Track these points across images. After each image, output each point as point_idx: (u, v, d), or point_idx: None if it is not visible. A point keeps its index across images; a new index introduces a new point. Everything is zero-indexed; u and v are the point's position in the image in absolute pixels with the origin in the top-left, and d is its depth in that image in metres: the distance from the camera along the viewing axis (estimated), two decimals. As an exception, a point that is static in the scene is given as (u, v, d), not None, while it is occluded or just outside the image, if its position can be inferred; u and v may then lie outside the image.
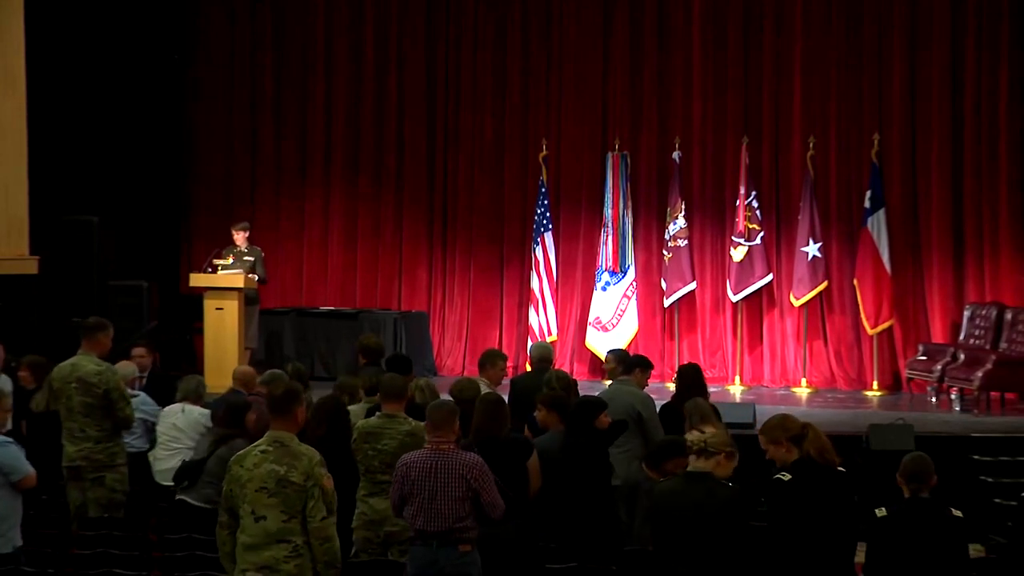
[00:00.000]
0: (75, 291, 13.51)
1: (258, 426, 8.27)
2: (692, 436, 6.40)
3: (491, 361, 9.41)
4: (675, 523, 6.01)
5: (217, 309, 13.21)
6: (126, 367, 9.73)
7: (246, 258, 13.63)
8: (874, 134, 14.37)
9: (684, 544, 5.97)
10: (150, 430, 9.51)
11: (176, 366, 13.97)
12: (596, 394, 9.46)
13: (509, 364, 11.33)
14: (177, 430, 9.14)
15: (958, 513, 6.03)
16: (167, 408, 9.42)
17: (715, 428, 8.82)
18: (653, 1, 15.29)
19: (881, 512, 6.00)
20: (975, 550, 7.70)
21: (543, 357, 10.19)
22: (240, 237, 13.78)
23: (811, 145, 14.52)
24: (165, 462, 9.21)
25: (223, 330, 13.15)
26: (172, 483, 8.95)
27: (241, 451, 6.02)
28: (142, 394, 9.74)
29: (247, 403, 8.38)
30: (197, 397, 9.41)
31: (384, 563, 7.07)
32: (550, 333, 14.77)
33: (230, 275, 13.29)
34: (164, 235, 15.97)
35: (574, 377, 10.62)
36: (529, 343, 14.72)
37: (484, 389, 8.53)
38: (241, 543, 5.81)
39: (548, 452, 7.58)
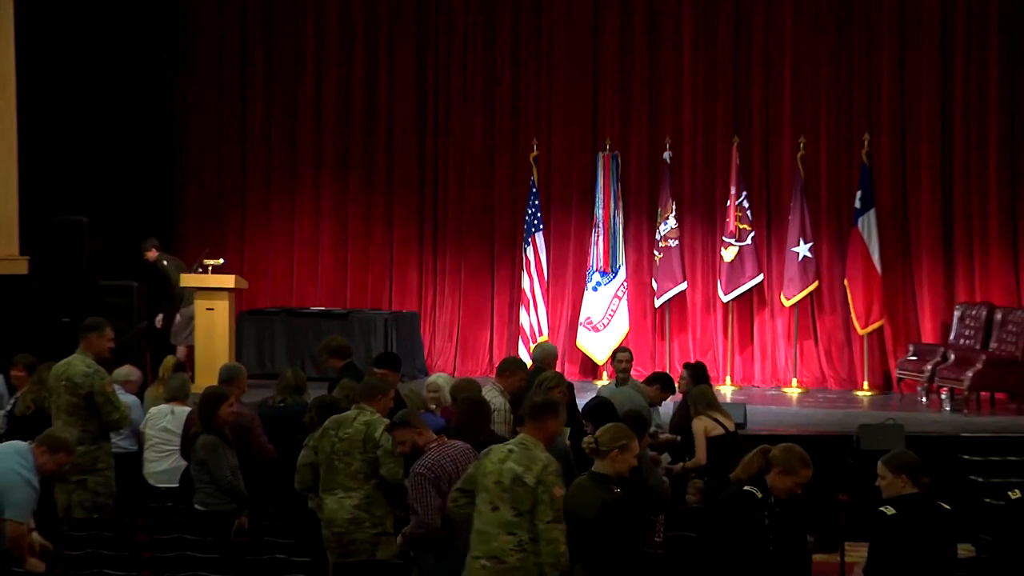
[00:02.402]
0: (65, 291, 13.48)
1: (234, 419, 8.28)
2: (587, 439, 6.47)
3: (512, 371, 9.11)
4: (571, 521, 6.12)
5: (208, 309, 13.24)
6: (122, 370, 9.71)
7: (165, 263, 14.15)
8: (864, 134, 14.40)
9: (578, 543, 6.06)
10: (135, 431, 9.48)
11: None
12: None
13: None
14: (168, 432, 9.12)
15: (947, 506, 6.05)
16: (155, 410, 9.39)
17: (715, 415, 8.92)
18: (643, 1, 15.30)
19: (890, 511, 5.93)
20: (965, 550, 7.72)
21: (536, 358, 10.24)
22: (152, 255, 14.21)
23: (801, 145, 14.54)
24: (158, 464, 9.20)
25: (213, 330, 13.17)
26: (168, 485, 8.97)
27: (496, 446, 6.40)
28: (134, 397, 9.72)
29: (218, 395, 8.31)
30: (184, 396, 9.40)
31: (373, 563, 7.05)
32: (541, 333, 14.76)
33: (221, 276, 13.31)
34: (154, 235, 15.92)
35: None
36: (520, 344, 14.76)
37: (493, 394, 8.53)
38: (475, 529, 6.22)
39: None
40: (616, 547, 6.03)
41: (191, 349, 13.71)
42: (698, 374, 10.03)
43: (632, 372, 10.84)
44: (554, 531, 6.04)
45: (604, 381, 14.72)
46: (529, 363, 13.08)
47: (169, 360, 10.29)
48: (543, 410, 6.43)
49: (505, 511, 6.10)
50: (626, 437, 6.36)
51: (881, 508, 5.96)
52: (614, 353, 11.09)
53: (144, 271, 14.68)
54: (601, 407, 8.29)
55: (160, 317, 14.35)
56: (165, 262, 14.34)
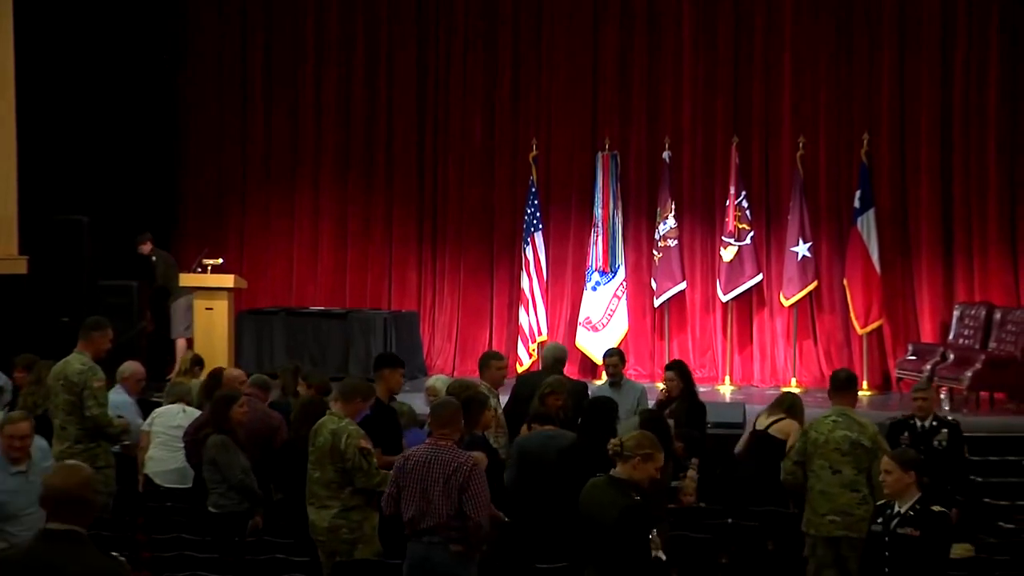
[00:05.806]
0: (65, 291, 13.49)
1: (247, 420, 8.30)
2: (613, 441, 6.41)
3: (487, 363, 9.20)
4: (585, 522, 6.06)
5: (207, 309, 13.26)
6: (128, 365, 9.70)
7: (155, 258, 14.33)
8: (863, 134, 14.40)
9: (591, 544, 6.02)
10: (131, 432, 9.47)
11: (165, 366, 13.97)
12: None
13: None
14: (181, 430, 9.11)
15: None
16: (163, 409, 9.41)
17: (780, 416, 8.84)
18: (643, 1, 15.30)
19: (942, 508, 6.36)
20: (964, 550, 7.72)
21: (551, 357, 10.23)
22: (146, 248, 14.45)
23: (801, 145, 14.54)
24: (167, 463, 9.16)
25: (213, 330, 13.18)
26: (177, 486, 8.97)
27: (816, 418, 7.74)
28: (127, 398, 9.70)
29: (230, 396, 8.33)
30: (190, 396, 9.43)
31: (372, 563, 7.06)
32: (540, 333, 14.77)
33: (220, 275, 13.33)
34: (154, 235, 15.92)
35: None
36: (519, 343, 14.77)
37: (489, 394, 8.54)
38: (817, 490, 7.44)
39: (527, 451, 7.67)
40: (633, 553, 6.00)
41: (191, 342, 13.75)
42: (683, 372, 9.91)
43: (632, 373, 10.82)
44: None
45: (603, 381, 14.73)
46: (530, 362, 13.13)
47: (189, 353, 10.38)
48: (848, 384, 7.76)
49: (847, 472, 7.33)
50: (651, 447, 6.26)
51: (939, 508, 6.30)
52: (604, 354, 11.06)
53: (141, 269, 14.71)
54: (597, 407, 8.20)
55: (149, 317, 14.37)
56: (154, 258, 14.42)
